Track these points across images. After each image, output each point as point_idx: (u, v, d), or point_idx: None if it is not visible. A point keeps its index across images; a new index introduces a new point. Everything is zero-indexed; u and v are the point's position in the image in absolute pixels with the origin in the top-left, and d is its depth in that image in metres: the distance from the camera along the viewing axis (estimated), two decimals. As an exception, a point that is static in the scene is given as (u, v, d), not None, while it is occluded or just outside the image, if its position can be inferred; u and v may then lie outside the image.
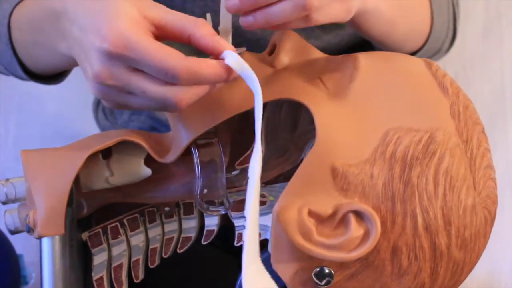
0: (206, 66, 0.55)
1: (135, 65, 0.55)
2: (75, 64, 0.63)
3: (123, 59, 0.55)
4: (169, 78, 0.55)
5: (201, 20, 0.58)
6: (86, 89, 0.59)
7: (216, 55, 0.57)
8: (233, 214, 0.66)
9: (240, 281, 0.64)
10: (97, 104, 1.04)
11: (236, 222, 0.66)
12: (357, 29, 0.72)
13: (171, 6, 0.89)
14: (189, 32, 0.57)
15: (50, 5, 0.62)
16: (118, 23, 0.55)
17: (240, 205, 0.66)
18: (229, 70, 0.56)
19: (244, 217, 0.65)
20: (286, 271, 0.59)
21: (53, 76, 0.81)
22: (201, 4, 0.88)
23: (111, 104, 0.60)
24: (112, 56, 0.55)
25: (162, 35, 0.57)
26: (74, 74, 0.81)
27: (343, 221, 0.57)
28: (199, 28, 0.57)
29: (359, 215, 0.57)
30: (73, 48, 0.60)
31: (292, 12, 0.58)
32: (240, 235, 0.66)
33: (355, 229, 0.56)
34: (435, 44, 0.92)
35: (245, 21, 0.60)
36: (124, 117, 0.96)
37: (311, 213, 0.57)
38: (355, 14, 0.64)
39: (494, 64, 1.26)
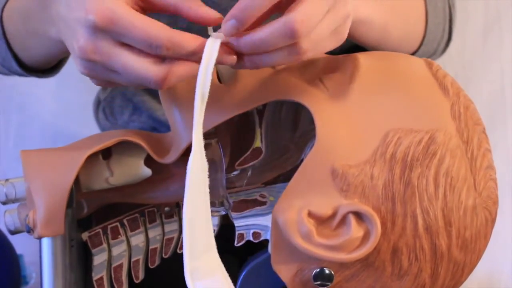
0: (190, 38, 0.55)
1: (120, 38, 0.55)
2: (66, 50, 0.63)
3: (108, 31, 0.55)
4: (153, 48, 0.54)
5: None
6: (86, 89, 0.59)
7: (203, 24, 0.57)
8: (233, 214, 0.66)
9: (240, 280, 0.64)
10: (97, 104, 1.04)
11: (236, 223, 0.66)
12: (350, 37, 0.72)
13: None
14: (174, 2, 0.57)
15: None
16: None
17: (240, 206, 0.66)
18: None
19: (244, 217, 0.66)
20: (286, 272, 0.59)
21: (47, 69, 0.81)
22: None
23: (98, 82, 0.60)
24: (97, 29, 0.55)
25: (148, 7, 0.58)
26: (74, 75, 0.81)
27: (343, 222, 0.57)
28: None
29: (359, 216, 0.57)
30: (61, 29, 0.60)
31: (285, 58, 0.56)
32: (240, 235, 0.66)
33: (355, 230, 0.56)
34: (430, 46, 0.92)
35: (238, 65, 0.58)
36: (124, 117, 0.96)
37: (311, 214, 0.57)
38: None
39: (494, 64, 1.26)
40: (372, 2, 0.72)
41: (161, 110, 0.90)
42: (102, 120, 1.02)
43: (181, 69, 0.56)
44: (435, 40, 0.94)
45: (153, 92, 0.92)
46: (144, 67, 0.55)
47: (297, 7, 0.53)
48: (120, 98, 0.95)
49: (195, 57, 0.56)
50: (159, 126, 0.91)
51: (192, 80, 0.64)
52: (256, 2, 0.54)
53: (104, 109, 1.01)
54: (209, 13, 0.57)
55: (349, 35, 0.71)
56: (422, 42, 0.88)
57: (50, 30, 0.64)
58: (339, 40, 0.59)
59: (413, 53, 0.88)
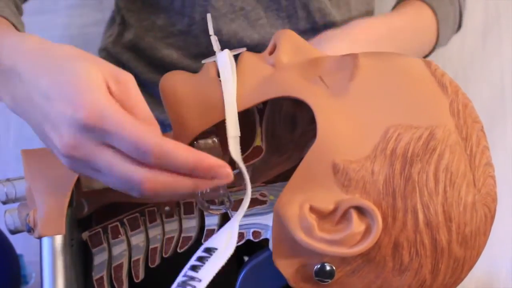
0: (182, 150, 0.52)
1: (107, 138, 0.53)
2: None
3: (96, 131, 0.52)
4: (140, 154, 0.52)
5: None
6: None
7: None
8: (233, 213, 0.66)
9: (241, 280, 0.64)
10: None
11: (237, 222, 0.66)
12: None
13: (171, 10, 0.90)
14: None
15: None
16: (93, 94, 0.53)
17: (240, 204, 0.66)
18: (207, 166, 0.52)
19: (244, 216, 0.66)
20: (287, 267, 0.59)
21: None
22: (200, 10, 0.88)
23: (81, 173, 0.59)
24: (85, 127, 0.53)
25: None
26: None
27: (345, 217, 0.57)
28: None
29: (360, 210, 0.57)
30: (29, 114, 0.58)
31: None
32: (241, 234, 0.66)
33: (357, 225, 0.56)
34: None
35: None
36: None
37: (312, 209, 0.57)
38: None
39: (494, 64, 1.26)
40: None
41: (158, 110, 0.91)
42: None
43: (169, 180, 0.53)
44: (442, 46, 0.95)
45: (149, 93, 0.92)
46: (130, 169, 0.53)
47: None
48: None
49: (185, 170, 0.53)
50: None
51: (192, 80, 0.65)
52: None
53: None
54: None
55: None
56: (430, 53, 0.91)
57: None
58: None
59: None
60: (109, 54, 0.96)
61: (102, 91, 0.54)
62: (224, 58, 0.63)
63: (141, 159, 0.52)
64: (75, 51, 0.58)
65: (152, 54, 0.91)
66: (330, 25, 0.91)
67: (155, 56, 0.91)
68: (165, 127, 0.89)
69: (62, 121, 0.54)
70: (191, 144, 0.64)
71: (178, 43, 0.91)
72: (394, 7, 1.00)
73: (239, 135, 0.61)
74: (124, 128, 0.52)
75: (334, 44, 0.83)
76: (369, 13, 1.00)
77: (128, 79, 0.57)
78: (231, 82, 0.62)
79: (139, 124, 0.52)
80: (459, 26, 1.05)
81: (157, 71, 0.91)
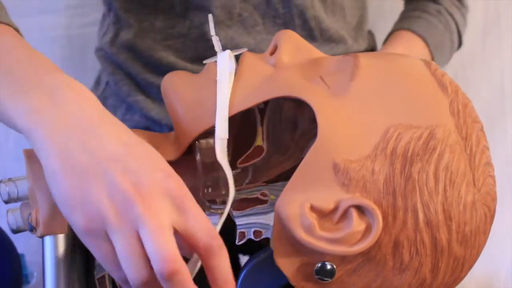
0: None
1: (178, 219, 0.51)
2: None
3: (176, 202, 0.52)
4: (161, 259, 0.49)
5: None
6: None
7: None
8: (234, 213, 0.66)
9: (241, 279, 0.64)
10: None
11: (238, 221, 0.66)
12: None
13: (171, 12, 0.90)
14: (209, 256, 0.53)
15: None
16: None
17: (241, 204, 0.66)
18: None
19: (245, 215, 0.66)
20: (288, 266, 0.59)
21: None
22: (200, 15, 0.88)
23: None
24: (169, 194, 0.52)
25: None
26: (75, 74, 0.82)
27: (345, 216, 0.57)
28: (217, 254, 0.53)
29: (360, 209, 0.57)
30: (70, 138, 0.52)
31: None
32: (242, 234, 0.66)
33: (357, 224, 0.57)
34: None
35: None
36: (118, 117, 0.97)
37: (313, 208, 0.58)
38: None
39: (493, 64, 1.26)
40: None
41: (155, 110, 0.91)
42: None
43: None
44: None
45: (147, 93, 0.92)
46: (138, 262, 0.51)
47: None
48: (113, 98, 0.95)
49: None
50: (153, 125, 0.91)
51: (193, 81, 0.65)
52: None
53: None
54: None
55: None
56: None
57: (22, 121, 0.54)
58: None
59: None
60: (106, 54, 0.96)
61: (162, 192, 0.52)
62: (223, 59, 0.64)
63: (156, 260, 0.50)
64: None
65: (149, 55, 0.91)
66: (325, 32, 0.92)
67: (152, 57, 0.91)
68: (162, 127, 0.89)
69: (149, 179, 0.51)
70: (192, 143, 0.64)
71: (176, 46, 0.91)
72: (385, 41, 1.02)
73: (227, 137, 0.61)
74: (202, 220, 0.52)
75: None
76: (362, 17, 1.01)
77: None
78: (226, 83, 0.62)
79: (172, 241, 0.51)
80: (460, 45, 1.06)
81: (154, 72, 0.91)
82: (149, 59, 0.91)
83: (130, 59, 0.93)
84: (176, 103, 0.64)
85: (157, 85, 0.92)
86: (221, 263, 0.53)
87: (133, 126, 0.93)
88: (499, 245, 1.20)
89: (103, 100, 0.96)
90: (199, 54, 0.90)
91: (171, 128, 0.87)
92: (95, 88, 1.00)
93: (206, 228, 0.52)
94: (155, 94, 0.91)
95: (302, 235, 0.57)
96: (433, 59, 0.98)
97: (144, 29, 0.92)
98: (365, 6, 1.03)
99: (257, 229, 0.66)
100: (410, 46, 0.98)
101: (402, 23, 1.02)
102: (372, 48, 1.04)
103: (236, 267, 0.64)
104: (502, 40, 1.26)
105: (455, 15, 1.03)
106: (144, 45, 0.92)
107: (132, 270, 0.50)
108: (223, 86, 0.62)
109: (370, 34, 1.06)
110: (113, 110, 0.95)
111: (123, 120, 0.94)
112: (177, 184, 0.52)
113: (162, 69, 0.89)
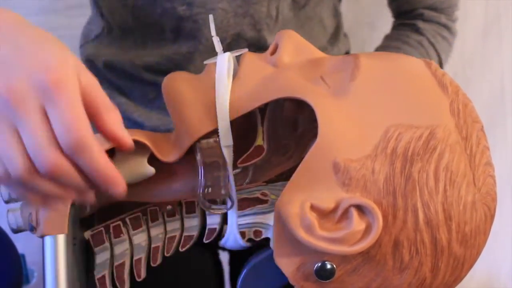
0: (100, 152, 0.54)
1: (50, 106, 0.52)
2: None
3: (47, 92, 0.52)
4: (65, 133, 0.51)
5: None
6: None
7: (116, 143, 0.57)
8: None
9: (242, 279, 0.64)
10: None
11: (238, 221, 0.66)
12: None
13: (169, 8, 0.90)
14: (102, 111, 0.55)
15: None
16: (64, 66, 0.53)
17: (241, 204, 0.66)
18: (109, 175, 0.55)
19: (246, 215, 0.66)
20: (288, 265, 0.59)
21: None
22: (197, 11, 0.88)
23: None
24: (41, 86, 0.52)
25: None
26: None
27: (345, 215, 0.57)
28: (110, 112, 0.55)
29: (361, 209, 0.57)
30: None
31: None
32: (242, 234, 0.66)
33: (357, 223, 0.57)
34: None
35: None
36: None
37: (313, 208, 0.58)
38: None
39: (493, 64, 1.26)
40: None
41: (138, 112, 0.91)
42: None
43: (70, 174, 0.54)
44: None
45: (129, 96, 0.93)
46: (46, 144, 0.52)
47: None
48: None
49: (89, 171, 0.54)
50: (136, 128, 0.91)
51: (194, 82, 0.65)
52: None
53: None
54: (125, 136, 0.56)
55: None
56: None
57: None
58: None
59: None
60: (86, 56, 0.97)
61: (72, 69, 0.53)
62: (223, 61, 0.64)
63: (62, 137, 0.52)
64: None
65: (128, 71, 0.92)
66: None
67: (131, 72, 0.92)
68: (144, 129, 0.90)
69: (24, 71, 0.52)
70: (194, 144, 0.64)
71: (156, 65, 0.92)
72: None
73: (232, 143, 0.62)
74: (73, 106, 0.52)
75: None
76: (339, 22, 1.02)
77: (94, 82, 0.56)
78: (224, 89, 0.62)
79: (83, 112, 0.52)
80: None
81: (134, 81, 0.92)
82: (127, 73, 0.92)
83: (108, 68, 0.94)
84: (178, 104, 0.64)
85: (140, 89, 0.93)
86: (93, 159, 0.53)
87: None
88: (499, 244, 1.20)
89: None
90: None
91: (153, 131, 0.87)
92: None
93: (67, 124, 0.52)
94: (137, 97, 0.92)
95: (302, 234, 0.57)
96: None
97: (126, 45, 0.93)
98: (339, 12, 1.04)
99: (257, 229, 0.66)
100: None
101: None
102: (347, 52, 1.06)
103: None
104: (502, 40, 1.26)
105: (437, 45, 1.03)
106: (124, 60, 0.93)
107: (42, 153, 0.51)
108: (222, 91, 0.62)
109: (346, 37, 1.08)
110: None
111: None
112: (51, 78, 0.52)
113: (143, 78, 0.90)
